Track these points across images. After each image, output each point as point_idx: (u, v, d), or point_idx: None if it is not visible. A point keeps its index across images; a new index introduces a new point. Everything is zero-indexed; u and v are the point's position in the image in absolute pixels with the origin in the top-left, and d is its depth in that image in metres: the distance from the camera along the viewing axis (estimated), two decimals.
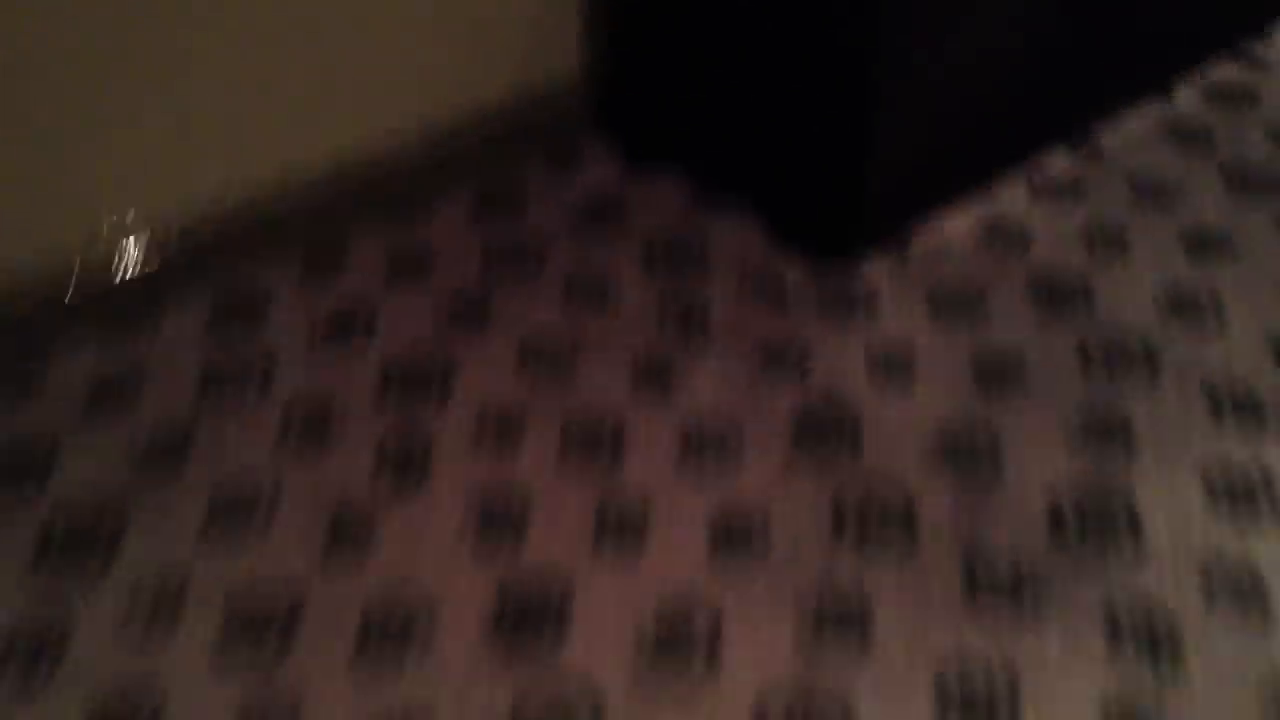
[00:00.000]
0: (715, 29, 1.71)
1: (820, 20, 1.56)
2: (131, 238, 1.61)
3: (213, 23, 1.54)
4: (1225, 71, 2.08)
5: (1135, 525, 1.40)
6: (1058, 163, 1.92)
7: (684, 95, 1.82)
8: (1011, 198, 1.86)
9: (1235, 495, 1.43)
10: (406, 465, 1.46)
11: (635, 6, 1.82)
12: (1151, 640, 1.29)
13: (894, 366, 1.60)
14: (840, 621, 1.30)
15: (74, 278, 1.59)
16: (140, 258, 1.63)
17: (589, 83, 1.92)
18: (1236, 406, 1.54)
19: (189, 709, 1.22)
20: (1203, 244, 1.78)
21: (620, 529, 1.39)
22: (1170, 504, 1.42)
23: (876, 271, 1.73)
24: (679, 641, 1.28)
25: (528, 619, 1.31)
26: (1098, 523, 1.40)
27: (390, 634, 1.29)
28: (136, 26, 1.49)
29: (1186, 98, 2.03)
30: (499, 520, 1.40)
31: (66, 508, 1.41)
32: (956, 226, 1.81)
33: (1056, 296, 1.70)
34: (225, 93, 1.59)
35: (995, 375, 1.59)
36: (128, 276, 1.62)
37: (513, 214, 1.83)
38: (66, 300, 1.59)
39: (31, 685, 1.24)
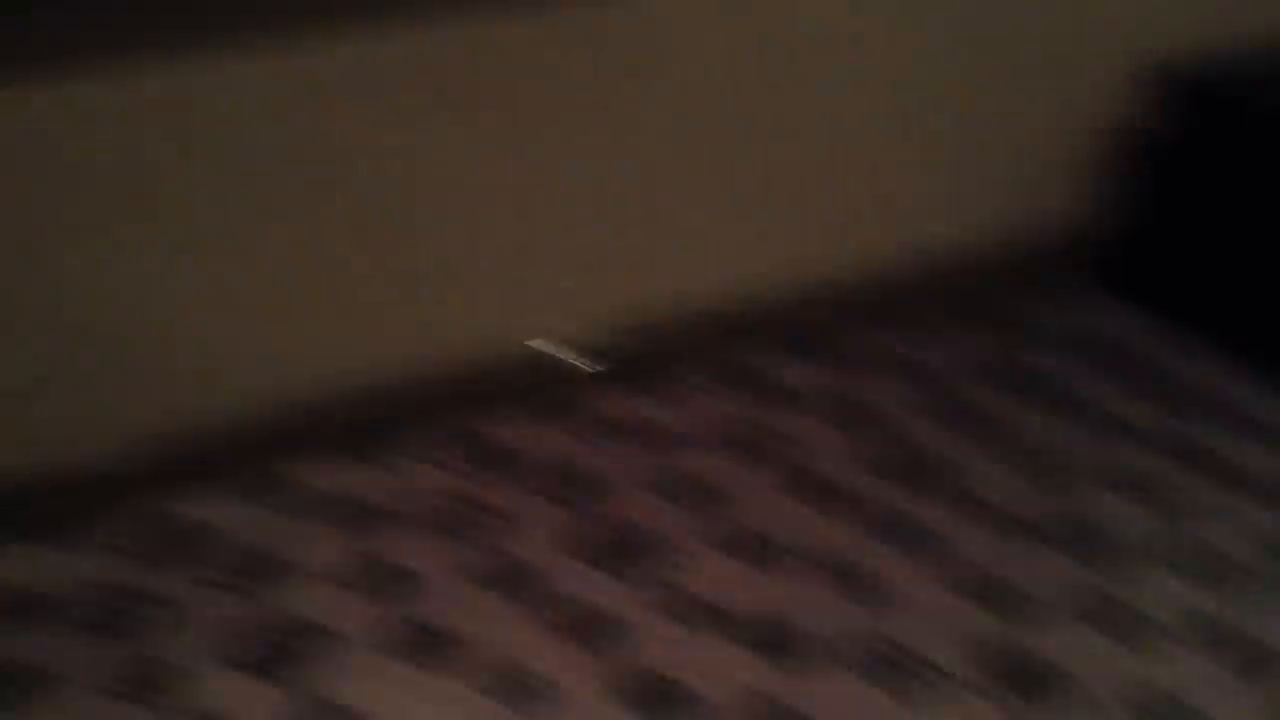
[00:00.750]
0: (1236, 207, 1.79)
1: None
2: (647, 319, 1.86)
3: (740, 140, 1.75)
4: None
5: None
6: None
7: (1199, 254, 1.90)
8: None
9: None
10: None
11: (1147, 173, 1.93)
12: None
13: None
14: None
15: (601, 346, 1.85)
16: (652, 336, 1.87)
17: (1088, 230, 2.03)
18: None
19: None
20: None
21: None
22: None
23: None
24: None
25: None
26: None
27: None
28: (671, 142, 1.73)
29: None
30: None
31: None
32: None
33: None
34: (756, 198, 1.81)
35: None
36: (652, 347, 1.87)
37: (1010, 339, 1.94)
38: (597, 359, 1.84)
39: None
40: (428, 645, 1.42)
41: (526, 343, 1.77)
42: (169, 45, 1.36)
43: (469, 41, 1.50)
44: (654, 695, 1.35)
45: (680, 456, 1.71)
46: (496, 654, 1.41)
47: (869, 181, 1.86)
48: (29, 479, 1.55)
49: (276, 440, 1.68)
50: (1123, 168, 1.96)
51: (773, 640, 1.42)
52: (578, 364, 1.80)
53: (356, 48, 1.44)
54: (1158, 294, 1.97)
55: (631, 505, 1.63)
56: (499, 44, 1.52)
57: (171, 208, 1.46)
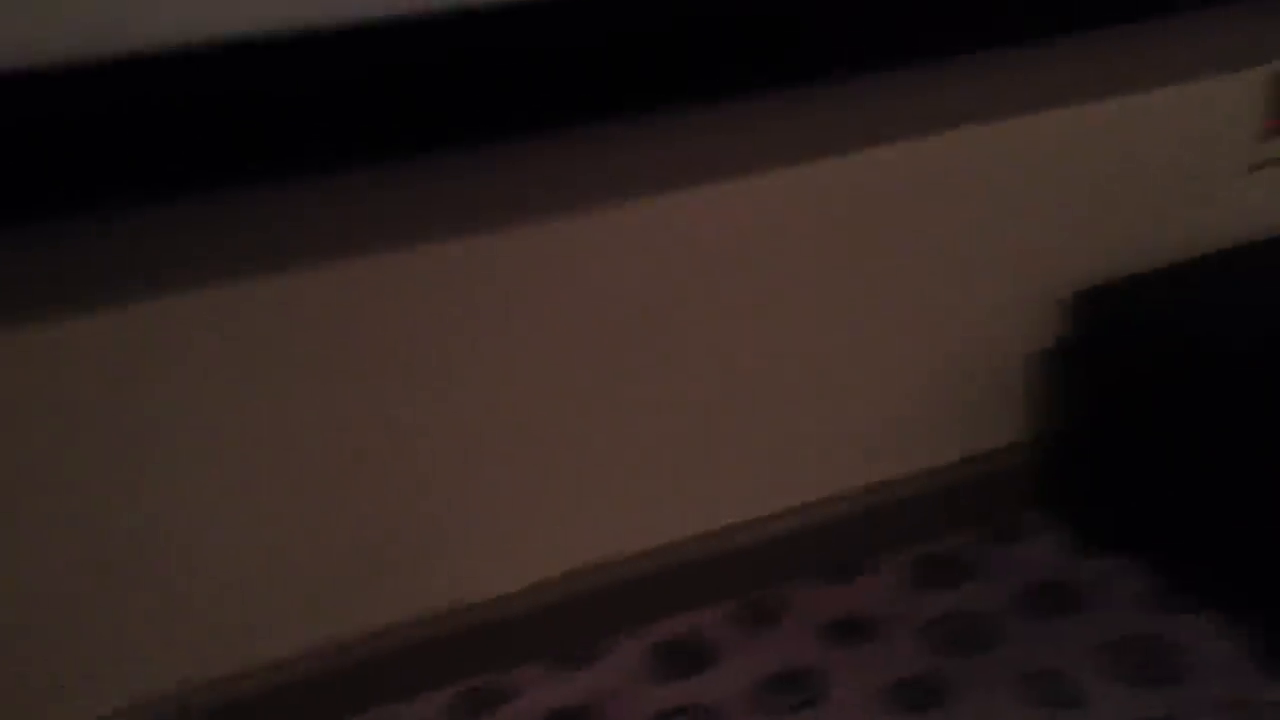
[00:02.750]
0: (1198, 435, 1.65)
1: None
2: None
3: (673, 372, 1.61)
4: None
5: None
6: None
7: (1147, 487, 1.73)
8: None
9: None
10: None
11: (1100, 392, 1.78)
12: None
13: None
14: None
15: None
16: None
17: (1036, 456, 1.87)
18: None
19: None
20: None
21: None
22: None
23: None
24: None
25: None
26: None
27: None
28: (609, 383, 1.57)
29: None
30: None
31: None
32: None
33: None
34: (679, 441, 1.65)
35: None
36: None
37: (951, 588, 1.76)
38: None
39: None
40: None
41: None
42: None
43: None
44: None
45: None
46: None
47: (800, 424, 1.71)
48: None
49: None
50: (1063, 392, 1.82)
51: None
52: None
53: None
54: (1096, 523, 1.82)
55: None
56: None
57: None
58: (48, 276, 1.26)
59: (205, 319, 1.34)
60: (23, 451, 1.32)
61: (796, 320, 1.65)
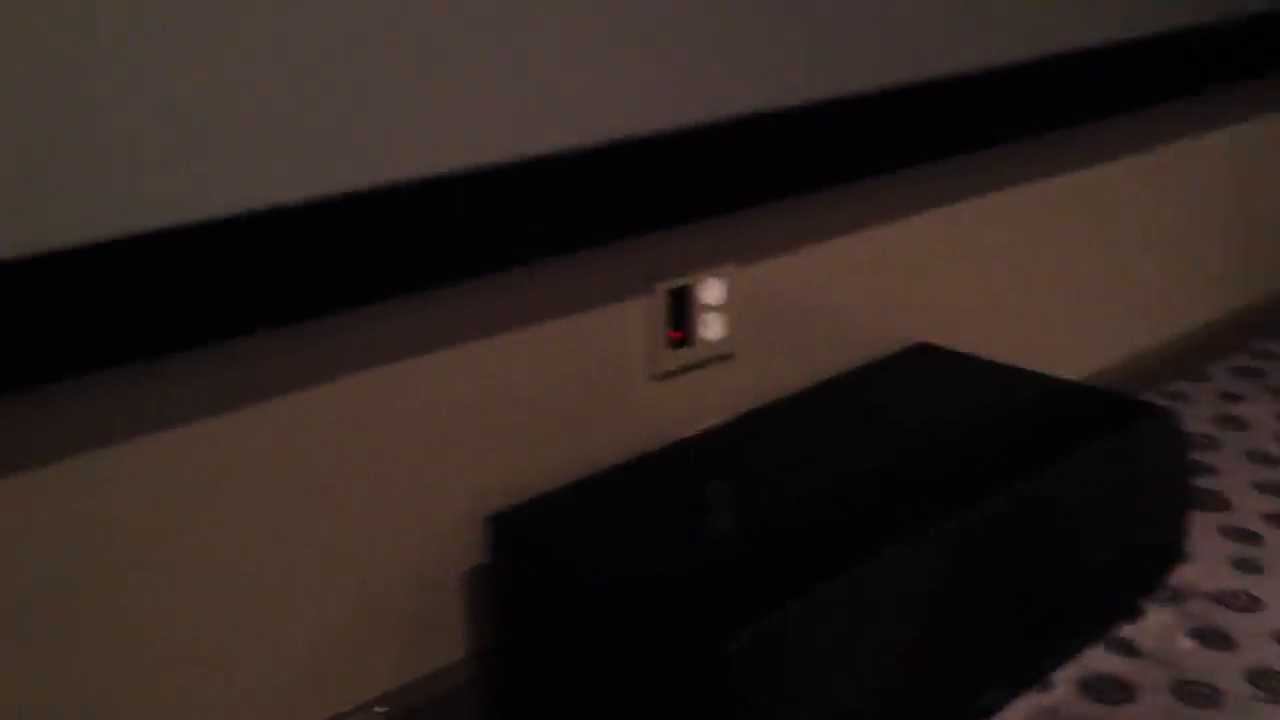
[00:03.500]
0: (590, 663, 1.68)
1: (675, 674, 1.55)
2: None
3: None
4: (1098, 660, 2.13)
5: None
6: None
7: (569, 701, 1.78)
8: None
9: None
10: None
11: (518, 610, 1.75)
12: None
13: None
14: None
15: None
16: None
17: (480, 673, 1.88)
18: None
19: None
20: None
21: None
22: None
23: None
24: None
25: None
26: None
27: None
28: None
29: (1061, 688, 2.06)
30: None
31: None
32: None
33: None
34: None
35: None
36: None
37: None
38: None
39: None
40: None
41: None
42: None
43: None
44: None
45: None
46: None
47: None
48: None
49: None
50: (491, 610, 1.84)
51: None
52: None
53: None
54: None
55: None
56: None
57: None
58: None
59: None
60: None
61: (235, 565, 1.56)
